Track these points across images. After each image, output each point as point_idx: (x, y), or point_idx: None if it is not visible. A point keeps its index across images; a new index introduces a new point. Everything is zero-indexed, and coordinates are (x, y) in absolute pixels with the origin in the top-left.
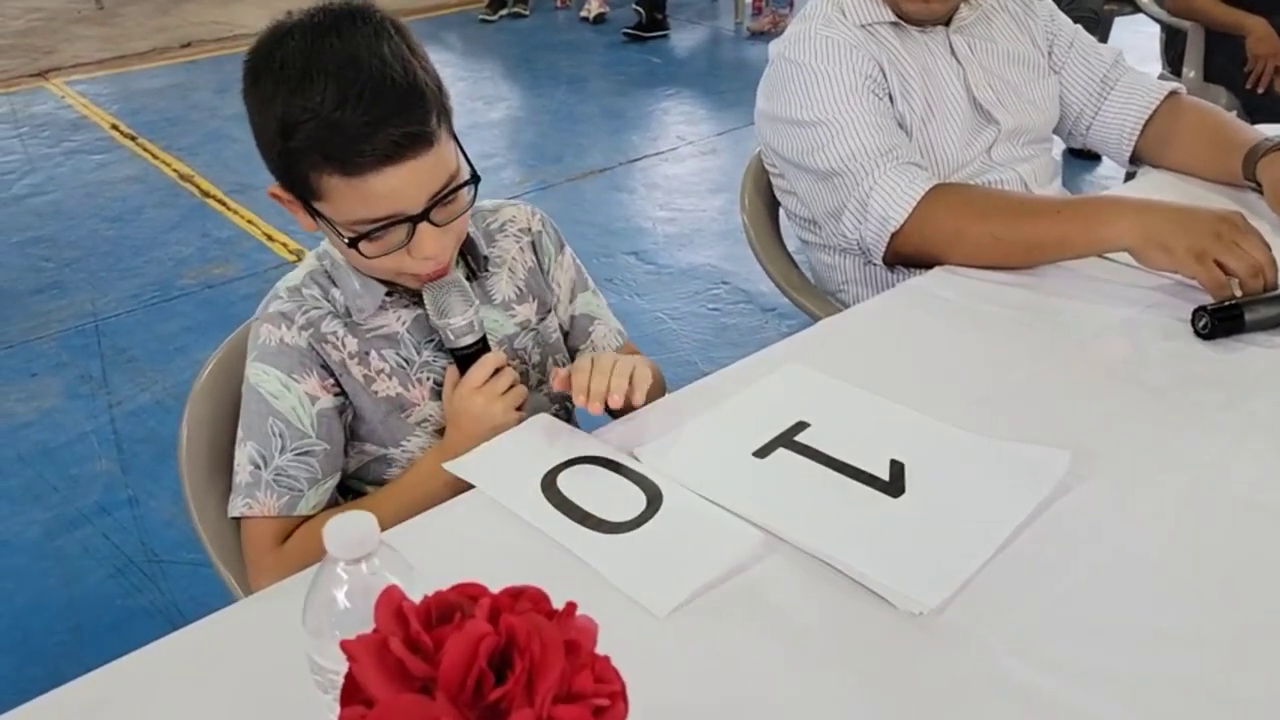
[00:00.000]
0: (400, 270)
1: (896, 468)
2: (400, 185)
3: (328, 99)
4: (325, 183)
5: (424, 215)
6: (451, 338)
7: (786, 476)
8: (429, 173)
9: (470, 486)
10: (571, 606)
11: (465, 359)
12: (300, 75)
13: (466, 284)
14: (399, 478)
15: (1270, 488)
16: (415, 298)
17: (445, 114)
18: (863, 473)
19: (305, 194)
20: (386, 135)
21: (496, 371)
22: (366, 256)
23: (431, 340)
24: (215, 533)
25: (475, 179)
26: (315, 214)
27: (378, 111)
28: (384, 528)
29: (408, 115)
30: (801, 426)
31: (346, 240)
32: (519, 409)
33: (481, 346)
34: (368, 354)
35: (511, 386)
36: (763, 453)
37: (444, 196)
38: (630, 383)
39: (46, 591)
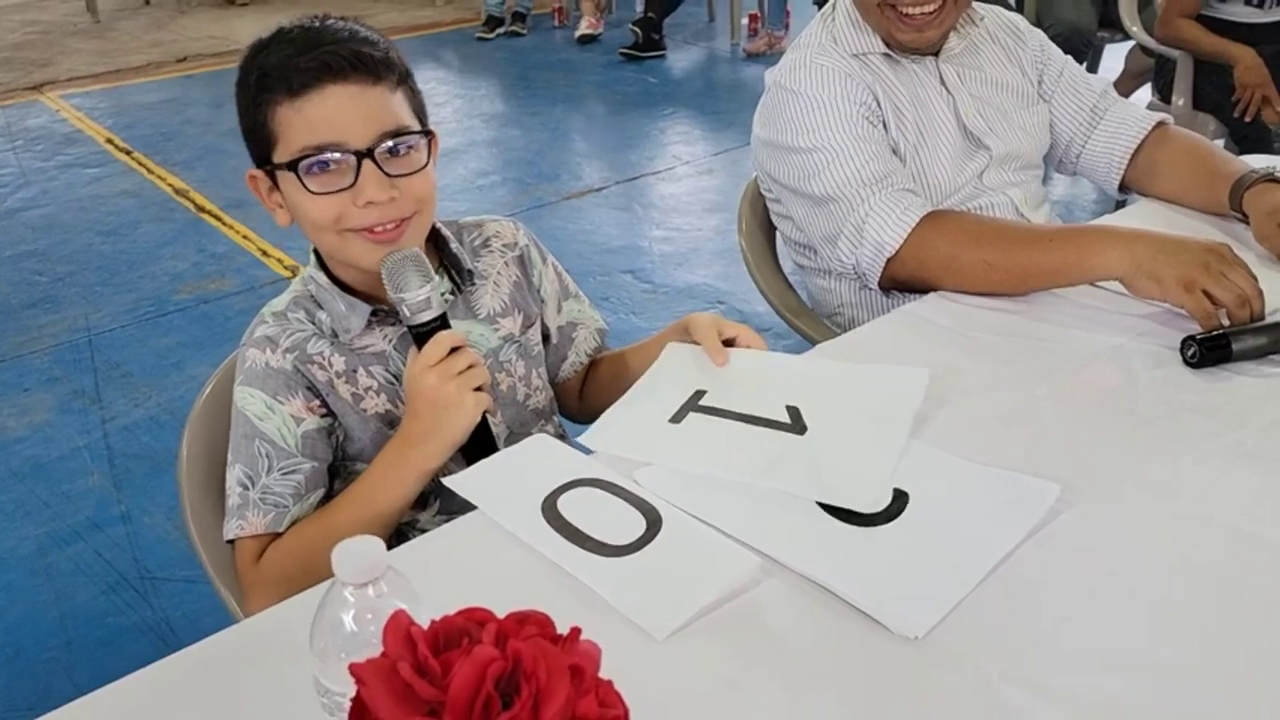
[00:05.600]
0: (344, 222)
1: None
2: (341, 106)
3: (292, 47)
4: (276, 117)
5: (369, 153)
6: (407, 314)
7: (706, 431)
8: (374, 104)
9: (456, 499)
10: (576, 631)
11: (424, 338)
12: (271, 44)
13: (425, 260)
14: (361, 477)
15: (1257, 515)
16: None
17: (404, 81)
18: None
19: (266, 150)
20: (328, 51)
21: (455, 351)
22: (312, 192)
23: None
24: (215, 553)
25: (427, 133)
26: (276, 169)
27: (322, 45)
28: (348, 533)
29: (356, 45)
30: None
31: (293, 167)
32: (479, 390)
33: (440, 324)
34: (355, 371)
35: (470, 368)
36: (684, 412)
37: (393, 137)
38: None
39: (38, 608)
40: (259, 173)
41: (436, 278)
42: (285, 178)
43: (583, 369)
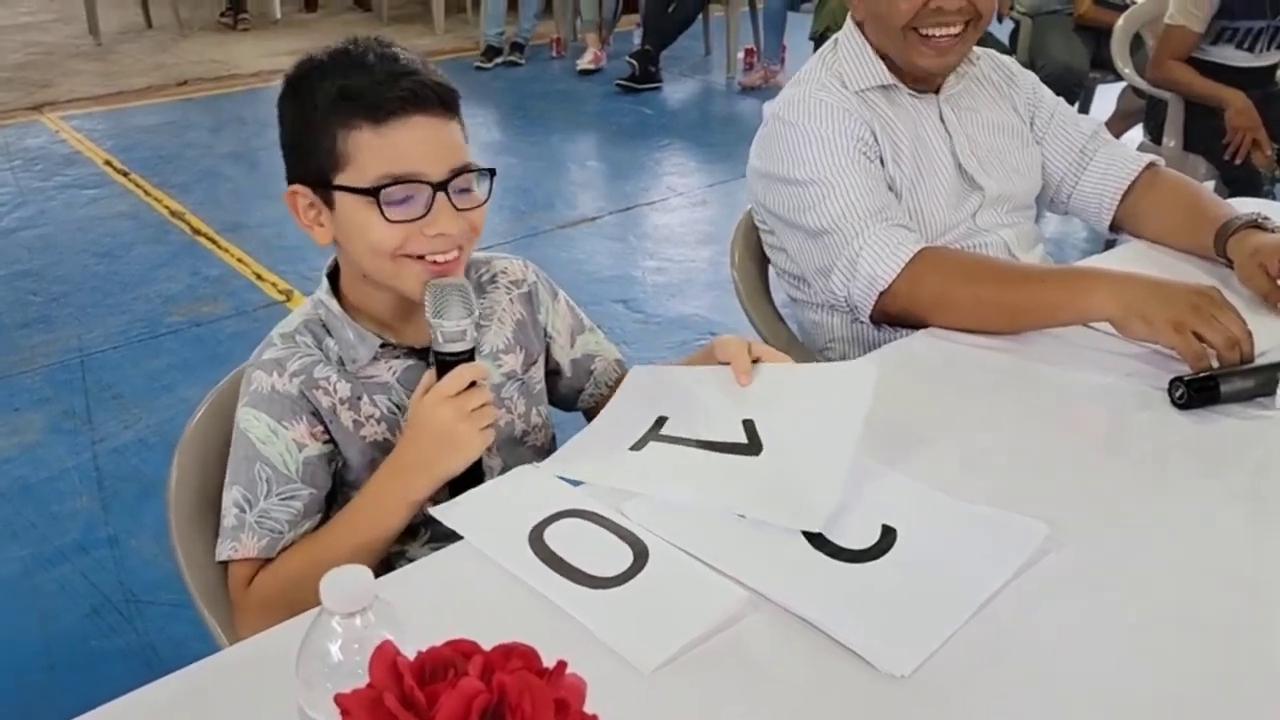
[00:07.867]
0: (406, 248)
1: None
2: (423, 138)
3: (364, 73)
4: (353, 140)
5: (444, 185)
6: (440, 339)
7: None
8: (449, 140)
9: (446, 529)
10: (561, 665)
11: (446, 367)
12: (341, 65)
13: (471, 293)
14: (349, 505)
15: (1241, 555)
16: (407, 350)
17: (462, 122)
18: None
19: (327, 170)
20: (412, 82)
21: (470, 386)
22: (389, 220)
23: None
24: (201, 578)
25: (491, 171)
26: (335, 190)
27: (406, 74)
28: (336, 560)
29: (434, 79)
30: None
31: (373, 194)
32: (485, 428)
33: (466, 358)
34: (359, 398)
35: (483, 406)
36: (645, 440)
37: (463, 173)
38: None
39: (22, 630)
40: (304, 189)
41: (476, 312)
42: (354, 201)
43: (603, 398)
